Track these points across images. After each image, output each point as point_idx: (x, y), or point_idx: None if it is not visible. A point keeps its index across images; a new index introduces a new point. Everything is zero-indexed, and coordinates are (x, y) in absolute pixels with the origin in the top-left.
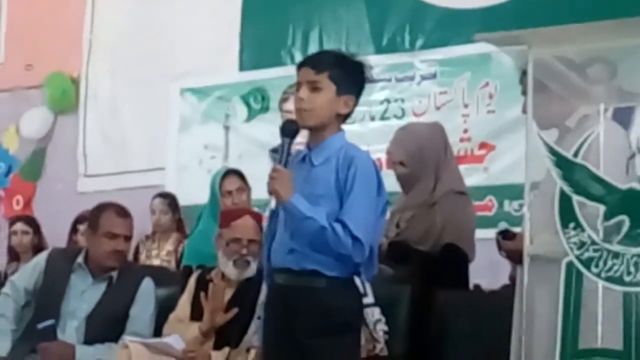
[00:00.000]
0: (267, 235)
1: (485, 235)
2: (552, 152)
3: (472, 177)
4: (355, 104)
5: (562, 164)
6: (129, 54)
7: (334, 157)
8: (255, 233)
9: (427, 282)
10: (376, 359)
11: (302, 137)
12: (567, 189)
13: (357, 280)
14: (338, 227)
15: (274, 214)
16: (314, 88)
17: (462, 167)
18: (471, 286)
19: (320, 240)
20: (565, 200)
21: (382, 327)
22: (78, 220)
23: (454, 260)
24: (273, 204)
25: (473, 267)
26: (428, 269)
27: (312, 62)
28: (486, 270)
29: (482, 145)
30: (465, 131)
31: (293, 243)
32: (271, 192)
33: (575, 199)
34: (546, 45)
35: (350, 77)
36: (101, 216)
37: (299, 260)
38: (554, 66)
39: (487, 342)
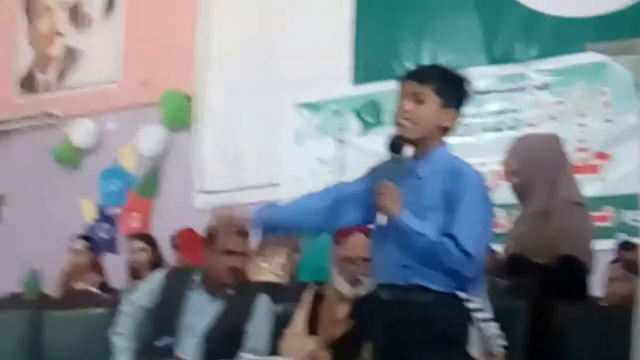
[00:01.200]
0: (372, 250)
1: (603, 246)
2: None
3: (588, 187)
4: (458, 118)
5: None
6: (242, 70)
7: (440, 170)
8: (367, 250)
9: (544, 295)
10: None
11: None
12: None
13: (473, 295)
14: (448, 242)
15: (378, 229)
16: (418, 100)
17: (578, 178)
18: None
19: (431, 255)
20: None
21: (499, 342)
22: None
23: (572, 272)
24: (382, 220)
25: (592, 279)
26: (545, 282)
27: (417, 75)
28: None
29: (599, 155)
30: (581, 141)
31: (402, 258)
32: (380, 208)
33: None
34: None
35: (454, 90)
36: (219, 234)
37: (407, 275)
38: None
39: (608, 357)
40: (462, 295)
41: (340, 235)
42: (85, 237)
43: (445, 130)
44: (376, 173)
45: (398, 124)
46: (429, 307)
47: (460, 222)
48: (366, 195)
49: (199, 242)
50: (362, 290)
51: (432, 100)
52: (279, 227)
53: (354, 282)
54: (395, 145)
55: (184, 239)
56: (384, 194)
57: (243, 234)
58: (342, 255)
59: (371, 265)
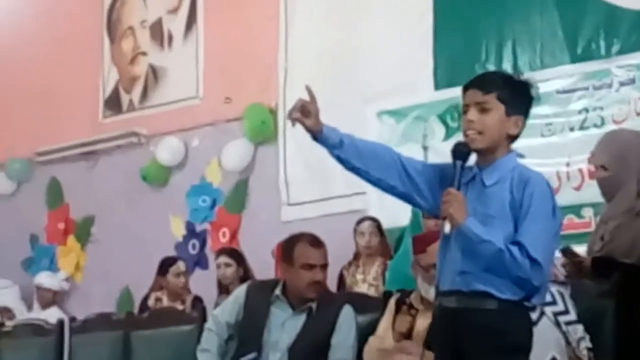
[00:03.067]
0: (438, 261)
1: None
2: None
3: None
4: (524, 124)
5: None
6: (323, 79)
7: (507, 178)
8: None
9: (632, 295)
10: None
11: None
12: None
13: (558, 297)
14: (515, 250)
15: (445, 238)
16: (483, 109)
17: None
18: None
19: (498, 263)
20: None
21: (585, 344)
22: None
23: None
24: (447, 228)
25: None
26: (633, 283)
27: (479, 84)
28: None
29: None
30: None
31: (464, 265)
32: (445, 216)
33: None
34: None
35: (518, 96)
36: (295, 248)
37: (470, 281)
38: None
39: None
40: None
41: (421, 243)
42: (178, 259)
43: (511, 138)
44: (443, 172)
45: (465, 135)
46: (493, 314)
47: (528, 230)
48: (433, 178)
49: None
50: None
51: (497, 109)
52: (354, 153)
53: None
54: (461, 152)
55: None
56: (449, 201)
57: (319, 245)
58: (428, 263)
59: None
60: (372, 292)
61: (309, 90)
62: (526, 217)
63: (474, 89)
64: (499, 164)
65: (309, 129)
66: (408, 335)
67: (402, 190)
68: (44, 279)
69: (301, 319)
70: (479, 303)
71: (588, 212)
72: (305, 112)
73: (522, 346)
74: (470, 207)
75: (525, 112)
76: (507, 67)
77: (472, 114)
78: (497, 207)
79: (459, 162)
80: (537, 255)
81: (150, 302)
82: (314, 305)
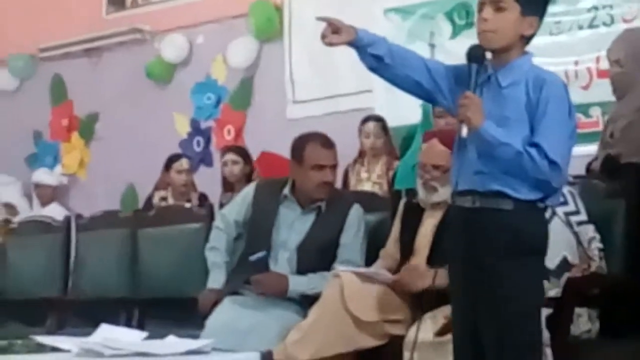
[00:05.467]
0: (454, 163)
1: None
2: None
3: None
4: (539, 25)
5: None
6: None
7: (522, 79)
8: (443, 158)
9: None
10: (594, 277)
11: None
12: None
13: (569, 198)
14: (534, 152)
15: (462, 140)
16: (498, 8)
17: None
18: None
19: (516, 165)
20: None
21: (596, 244)
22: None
23: None
24: (464, 131)
25: None
26: None
27: None
28: None
29: None
30: None
31: (480, 164)
32: (462, 119)
33: None
34: None
35: None
36: (306, 148)
37: (486, 181)
38: None
39: None
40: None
41: (424, 140)
42: (182, 156)
43: (526, 39)
44: (458, 73)
45: (479, 33)
46: (508, 214)
47: (546, 132)
48: (452, 80)
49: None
50: (436, 198)
51: (512, 8)
52: (386, 49)
53: (428, 188)
54: (476, 55)
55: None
56: (466, 105)
57: (330, 146)
58: (420, 161)
59: (452, 173)
60: (376, 189)
61: (322, 19)
62: (543, 119)
63: None
64: (514, 65)
65: (347, 44)
66: (414, 235)
67: (426, 87)
68: (42, 175)
69: (310, 218)
70: (495, 202)
71: (596, 112)
72: (335, 31)
73: (537, 247)
74: (486, 108)
75: (540, 13)
76: None
77: (487, 12)
78: (513, 108)
79: (474, 65)
80: (555, 156)
81: (155, 200)
82: (323, 205)
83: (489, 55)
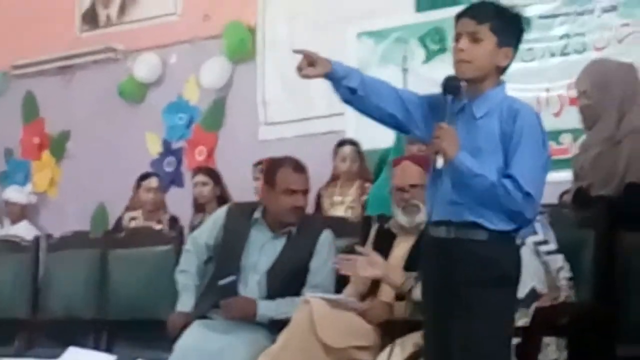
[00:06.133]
0: (429, 194)
1: None
2: None
3: None
4: (514, 56)
5: None
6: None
7: (496, 110)
8: (418, 177)
9: (611, 226)
10: (562, 306)
11: None
12: None
13: (539, 228)
14: (508, 183)
15: (436, 171)
16: (475, 39)
17: None
18: None
19: (490, 196)
20: None
21: (564, 274)
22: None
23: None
24: (439, 163)
25: None
26: (613, 212)
27: (473, 13)
28: None
29: None
30: None
31: (454, 195)
32: (437, 150)
33: None
34: None
35: (510, 29)
36: (277, 172)
37: (460, 212)
38: None
39: None
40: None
41: (393, 167)
42: (153, 175)
43: (501, 70)
44: (433, 103)
45: (455, 63)
46: (482, 245)
47: (520, 163)
48: (426, 109)
49: None
50: (419, 219)
51: (488, 39)
52: (360, 81)
53: (408, 209)
54: (452, 86)
55: None
56: (441, 136)
57: (302, 170)
58: (395, 185)
59: (426, 204)
60: (349, 214)
61: (298, 52)
62: (517, 150)
63: (467, 18)
64: (488, 95)
65: (322, 76)
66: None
67: (400, 118)
68: (11, 193)
69: (280, 242)
70: (470, 233)
71: (567, 139)
72: (311, 63)
73: (511, 277)
74: (460, 138)
75: (515, 44)
76: None
77: (464, 43)
78: (486, 139)
79: (449, 97)
80: (529, 188)
81: (125, 221)
82: (293, 229)
83: (464, 85)
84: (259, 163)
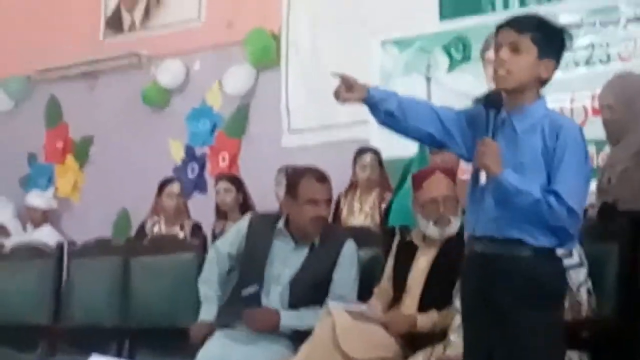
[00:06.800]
0: (468, 206)
1: None
2: None
3: None
4: (555, 70)
5: None
6: (328, 6)
7: (538, 125)
8: (449, 189)
9: (636, 241)
10: (583, 320)
11: None
12: None
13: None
14: (552, 199)
15: (477, 186)
16: (515, 49)
17: None
18: None
19: (534, 212)
20: None
21: (585, 289)
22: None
23: None
24: (483, 179)
25: None
26: (638, 228)
27: (515, 24)
28: None
29: None
30: None
31: (498, 211)
32: (481, 166)
33: None
34: None
35: (552, 41)
36: (300, 183)
37: (503, 228)
38: None
39: None
40: (559, 251)
41: (419, 179)
42: (174, 180)
43: (542, 82)
44: (471, 118)
45: (494, 74)
46: (526, 262)
47: (563, 179)
48: (464, 125)
49: None
50: (450, 230)
51: (529, 50)
52: (397, 103)
53: (442, 221)
54: (493, 100)
55: None
56: (484, 152)
57: (324, 180)
58: (426, 198)
59: (457, 203)
60: (367, 222)
61: (336, 75)
62: (561, 165)
63: (508, 29)
64: (529, 109)
65: (360, 101)
66: (406, 273)
67: (438, 138)
68: (33, 198)
69: (303, 253)
70: (512, 250)
71: (591, 149)
72: (348, 88)
73: (556, 293)
74: (504, 154)
75: (557, 57)
76: (514, 0)
77: (504, 53)
78: (529, 154)
79: (492, 111)
80: (573, 203)
81: (148, 227)
82: (316, 239)
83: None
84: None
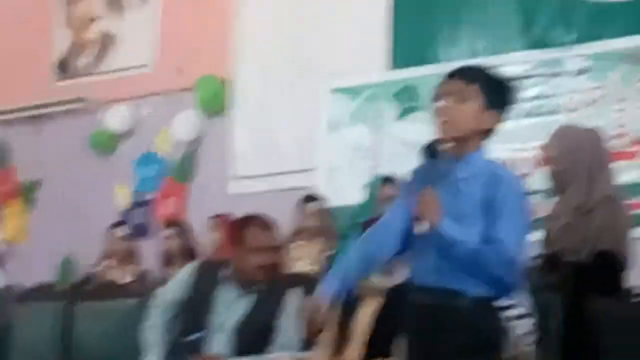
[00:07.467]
0: (410, 259)
1: None
2: None
3: (626, 173)
4: (500, 121)
5: None
6: (278, 55)
7: (480, 174)
8: None
9: (580, 291)
10: None
11: None
12: None
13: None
14: (491, 249)
15: (419, 236)
16: (462, 99)
17: (617, 164)
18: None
19: (473, 262)
20: None
21: (530, 339)
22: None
23: (609, 267)
24: (423, 228)
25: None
26: (581, 278)
27: (463, 73)
28: None
29: (638, 141)
30: (621, 126)
31: (438, 261)
32: (421, 216)
33: None
34: None
35: (499, 93)
36: (245, 231)
37: (443, 278)
38: None
39: None
40: (500, 301)
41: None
42: (124, 223)
43: (485, 133)
44: (416, 178)
45: (437, 123)
46: (465, 312)
47: (504, 229)
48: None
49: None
50: (395, 279)
51: (475, 100)
52: (362, 273)
53: (386, 272)
54: (432, 149)
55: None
56: (424, 202)
57: (270, 228)
58: None
59: (410, 269)
60: (313, 269)
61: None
62: (501, 215)
63: (456, 78)
64: (471, 159)
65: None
66: (351, 322)
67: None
68: None
69: (249, 300)
70: (452, 300)
71: (538, 199)
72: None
73: (492, 344)
74: (444, 202)
75: (502, 109)
76: (464, 51)
77: (449, 101)
78: (469, 203)
79: (430, 160)
80: (512, 253)
81: (97, 270)
82: (262, 287)
83: (445, 146)
84: (217, 216)
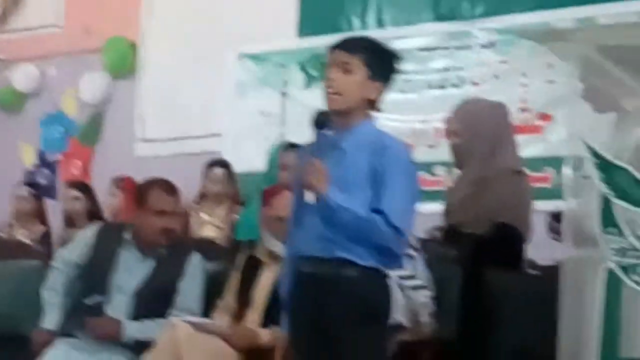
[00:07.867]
0: (292, 224)
1: (543, 207)
2: (595, 154)
3: (530, 147)
4: (384, 92)
5: (604, 166)
6: (187, 18)
7: (366, 144)
8: None
9: (478, 263)
10: (425, 341)
11: None
12: (608, 193)
13: (406, 262)
14: (377, 218)
15: (303, 204)
16: (346, 70)
17: (520, 138)
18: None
19: (359, 231)
20: (606, 205)
21: (427, 310)
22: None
23: (508, 240)
24: (310, 198)
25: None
26: (480, 250)
27: (347, 45)
28: (542, 243)
29: (541, 116)
30: (524, 101)
31: (324, 231)
32: (307, 186)
33: (617, 203)
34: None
35: (383, 63)
36: (149, 193)
37: (330, 248)
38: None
39: (538, 324)
40: (396, 272)
41: (268, 195)
42: (29, 184)
43: (371, 104)
44: (307, 149)
45: (325, 94)
46: (352, 282)
47: (389, 198)
48: None
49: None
50: None
51: (360, 71)
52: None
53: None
54: (321, 121)
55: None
56: (310, 172)
57: (174, 192)
58: (274, 215)
59: (289, 240)
60: (216, 234)
61: None
62: (387, 185)
63: (340, 49)
64: (357, 129)
65: None
66: (251, 288)
67: None
68: None
69: (150, 263)
70: (340, 270)
71: (440, 170)
72: None
73: (382, 313)
74: (331, 172)
75: (387, 79)
76: (371, 21)
77: (334, 73)
78: (355, 173)
79: (319, 131)
80: (399, 223)
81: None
82: (163, 250)
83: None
84: (121, 178)
